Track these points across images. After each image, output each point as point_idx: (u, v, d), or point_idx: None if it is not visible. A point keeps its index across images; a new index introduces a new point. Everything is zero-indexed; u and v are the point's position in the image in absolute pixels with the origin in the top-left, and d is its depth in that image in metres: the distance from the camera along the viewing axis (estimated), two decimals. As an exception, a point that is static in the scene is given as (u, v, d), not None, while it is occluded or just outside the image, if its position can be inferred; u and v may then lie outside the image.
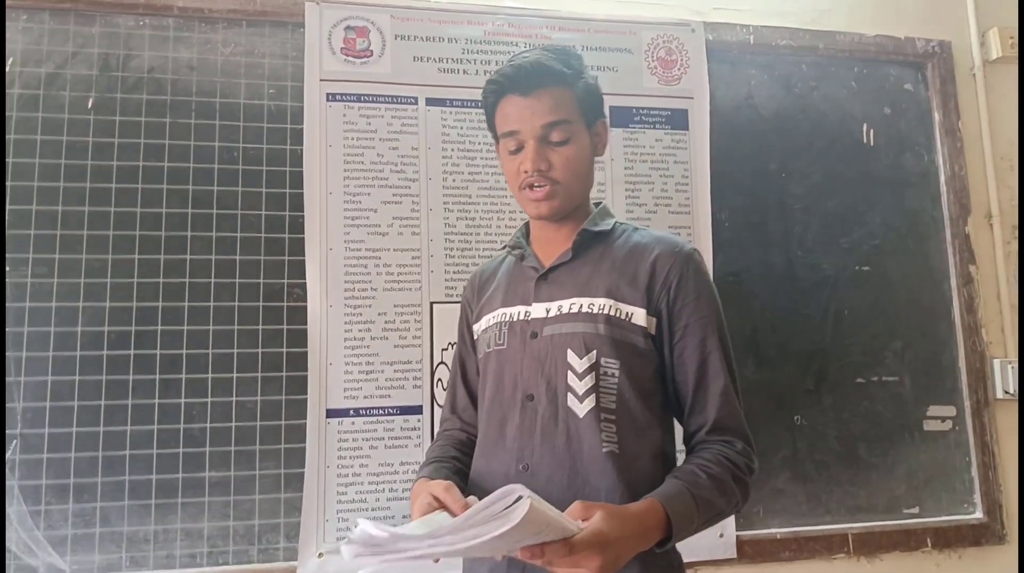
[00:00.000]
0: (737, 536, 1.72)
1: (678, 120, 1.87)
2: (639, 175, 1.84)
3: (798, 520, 1.79)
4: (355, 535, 0.84)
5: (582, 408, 1.07)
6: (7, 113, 1.57)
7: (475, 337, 1.25)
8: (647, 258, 1.14)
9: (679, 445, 1.16)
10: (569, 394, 1.08)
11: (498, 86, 1.14)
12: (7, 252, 1.53)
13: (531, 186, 1.12)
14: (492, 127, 1.20)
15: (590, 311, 1.10)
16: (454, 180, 1.74)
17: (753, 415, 1.76)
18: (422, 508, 0.98)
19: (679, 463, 1.12)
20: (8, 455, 1.48)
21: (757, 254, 1.87)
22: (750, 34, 1.94)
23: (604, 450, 1.06)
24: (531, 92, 1.11)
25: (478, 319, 1.24)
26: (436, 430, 1.49)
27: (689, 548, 1.60)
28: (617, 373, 1.09)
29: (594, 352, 1.08)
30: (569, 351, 1.09)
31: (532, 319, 1.14)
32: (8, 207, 1.55)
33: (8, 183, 1.55)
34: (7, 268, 1.53)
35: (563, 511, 0.90)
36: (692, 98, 1.88)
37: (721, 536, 1.71)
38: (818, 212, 1.92)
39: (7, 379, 1.50)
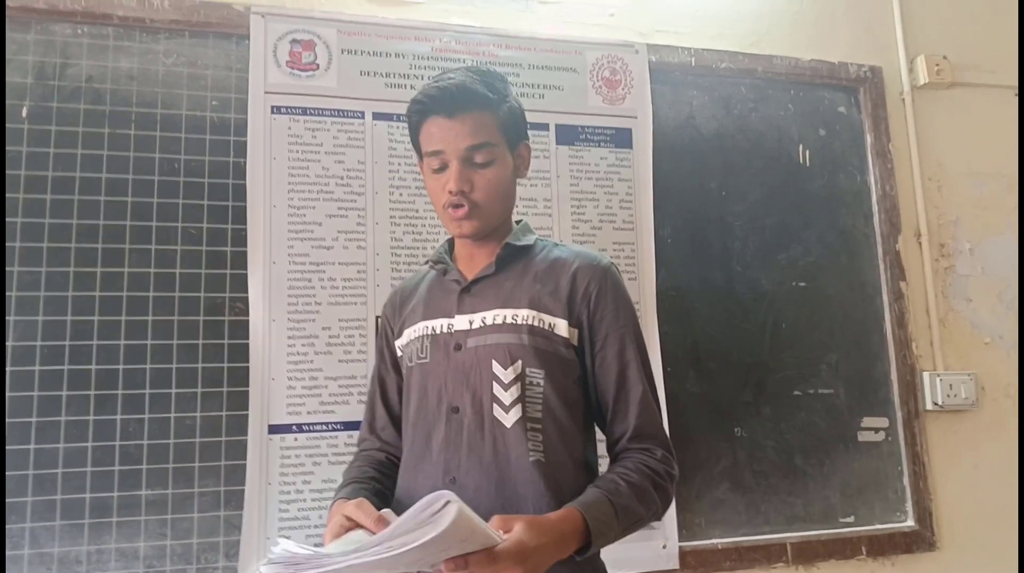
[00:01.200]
0: (680, 547, 1.75)
1: (622, 139, 1.91)
2: (584, 192, 1.87)
3: (738, 530, 1.82)
4: (275, 555, 0.83)
5: (509, 418, 1.09)
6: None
7: (397, 354, 1.25)
8: (567, 271, 1.17)
9: (600, 452, 1.19)
10: (495, 405, 1.09)
11: (423, 106, 1.16)
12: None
13: (453, 206, 1.14)
14: (416, 144, 1.21)
15: (514, 322, 1.12)
16: (401, 194, 1.75)
17: (694, 427, 1.82)
18: (334, 529, 0.98)
19: (600, 470, 1.14)
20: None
21: (698, 270, 1.92)
22: (691, 56, 1.99)
23: (531, 459, 1.07)
24: (455, 115, 1.13)
25: (399, 335, 1.24)
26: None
27: (633, 559, 1.65)
28: (542, 383, 1.11)
29: (519, 362, 1.10)
30: (494, 362, 1.10)
31: (455, 331, 1.15)
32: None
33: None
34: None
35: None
36: (636, 117, 1.92)
37: (664, 547, 1.73)
38: (756, 229, 1.98)
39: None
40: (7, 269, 1.52)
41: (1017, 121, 2.20)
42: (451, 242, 1.29)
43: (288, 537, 1.55)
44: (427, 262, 1.30)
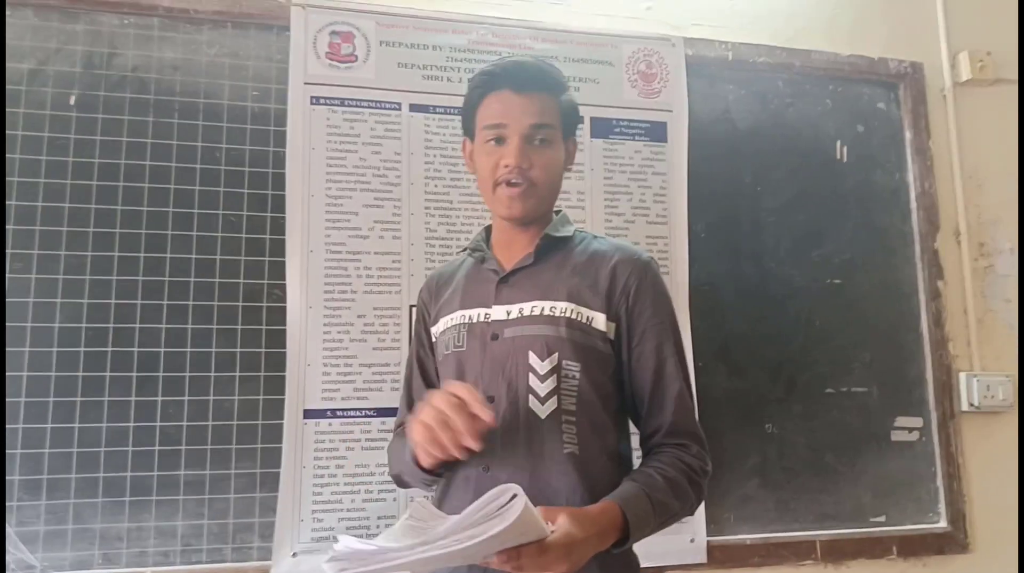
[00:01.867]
0: (708, 541, 1.75)
1: (657, 132, 1.91)
2: (618, 185, 1.87)
3: (767, 526, 1.82)
4: (338, 551, 0.84)
5: (544, 410, 1.09)
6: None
7: (433, 340, 1.26)
8: (607, 265, 1.17)
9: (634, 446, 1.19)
10: (530, 396, 1.10)
11: (492, 78, 1.16)
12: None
13: (508, 182, 1.14)
14: (471, 118, 1.21)
15: (552, 314, 1.12)
16: (436, 186, 1.76)
17: (725, 422, 1.82)
18: (442, 394, 0.98)
19: (633, 463, 1.14)
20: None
21: (731, 265, 1.91)
22: (728, 50, 1.98)
23: (565, 451, 1.08)
24: (524, 90, 1.14)
25: (435, 322, 1.25)
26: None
27: (661, 552, 1.66)
28: (578, 375, 1.11)
29: (556, 354, 1.10)
30: (531, 353, 1.11)
31: (492, 321, 1.15)
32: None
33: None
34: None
35: None
36: (671, 111, 1.92)
37: (692, 541, 1.73)
38: (791, 225, 1.97)
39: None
40: (59, 253, 1.56)
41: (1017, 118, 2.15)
42: (488, 230, 1.30)
43: (321, 520, 1.58)
44: (464, 250, 1.31)
